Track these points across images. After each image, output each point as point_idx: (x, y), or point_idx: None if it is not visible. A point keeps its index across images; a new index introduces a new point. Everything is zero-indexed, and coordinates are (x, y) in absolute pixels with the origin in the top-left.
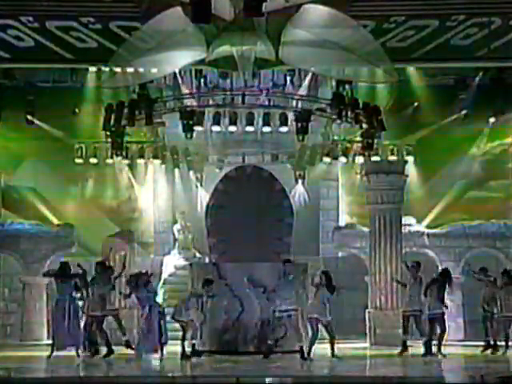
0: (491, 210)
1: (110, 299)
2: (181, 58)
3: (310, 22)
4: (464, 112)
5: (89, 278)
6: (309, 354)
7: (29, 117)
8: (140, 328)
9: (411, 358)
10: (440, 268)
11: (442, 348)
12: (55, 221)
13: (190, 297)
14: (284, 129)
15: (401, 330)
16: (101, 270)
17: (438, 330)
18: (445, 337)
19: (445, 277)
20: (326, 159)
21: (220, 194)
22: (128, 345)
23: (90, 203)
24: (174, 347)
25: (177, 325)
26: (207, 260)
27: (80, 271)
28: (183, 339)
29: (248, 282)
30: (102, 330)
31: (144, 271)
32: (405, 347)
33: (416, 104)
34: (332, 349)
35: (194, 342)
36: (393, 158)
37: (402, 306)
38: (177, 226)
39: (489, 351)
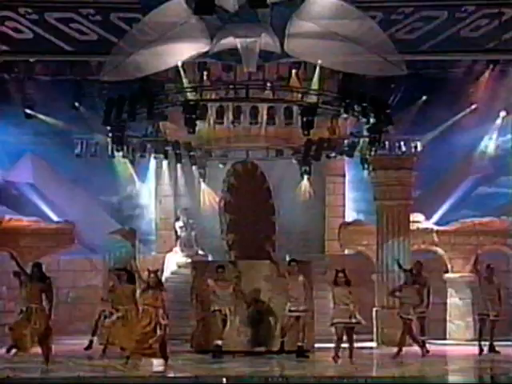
0: (502, 207)
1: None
2: (183, 51)
3: (316, 13)
4: (474, 106)
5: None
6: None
7: (28, 111)
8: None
9: (417, 358)
10: None
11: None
12: (55, 217)
13: None
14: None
15: None
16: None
17: None
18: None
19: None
20: (333, 154)
21: (234, 189)
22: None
23: (90, 199)
24: (173, 347)
25: None
26: (210, 257)
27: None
28: None
29: None
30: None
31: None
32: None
33: (425, 98)
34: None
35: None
36: (401, 152)
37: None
38: (179, 223)
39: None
